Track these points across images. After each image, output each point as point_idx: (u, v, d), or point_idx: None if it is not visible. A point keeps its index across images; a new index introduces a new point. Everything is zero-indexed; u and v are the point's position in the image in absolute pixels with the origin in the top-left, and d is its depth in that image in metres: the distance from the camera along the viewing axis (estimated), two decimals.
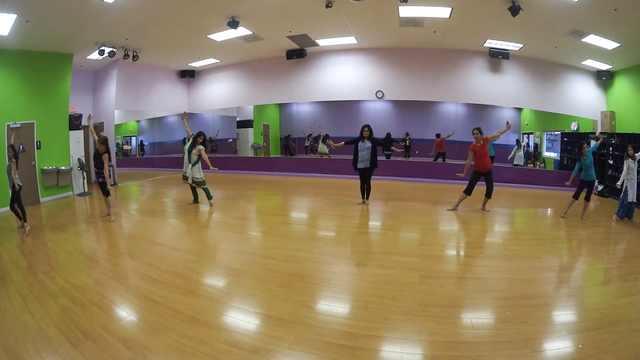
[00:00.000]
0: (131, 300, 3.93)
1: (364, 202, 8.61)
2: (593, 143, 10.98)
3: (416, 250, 5.66)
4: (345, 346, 3.02)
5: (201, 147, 8.32)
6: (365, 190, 8.55)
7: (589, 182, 7.56)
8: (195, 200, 8.86)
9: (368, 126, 8.22)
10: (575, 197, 7.66)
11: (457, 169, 12.13)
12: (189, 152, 8.31)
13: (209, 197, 8.52)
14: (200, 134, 8.38)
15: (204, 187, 8.48)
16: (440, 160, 13.49)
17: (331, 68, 13.18)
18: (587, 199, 7.64)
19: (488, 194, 7.90)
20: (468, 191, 7.90)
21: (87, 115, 8.63)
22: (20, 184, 6.76)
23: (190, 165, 8.29)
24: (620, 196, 7.63)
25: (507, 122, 7.90)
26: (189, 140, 8.45)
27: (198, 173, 8.39)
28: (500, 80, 12.04)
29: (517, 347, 2.98)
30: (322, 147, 14.58)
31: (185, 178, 8.49)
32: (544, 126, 13.83)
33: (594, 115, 11.67)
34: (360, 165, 8.22)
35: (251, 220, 8.01)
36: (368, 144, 8.12)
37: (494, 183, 7.93)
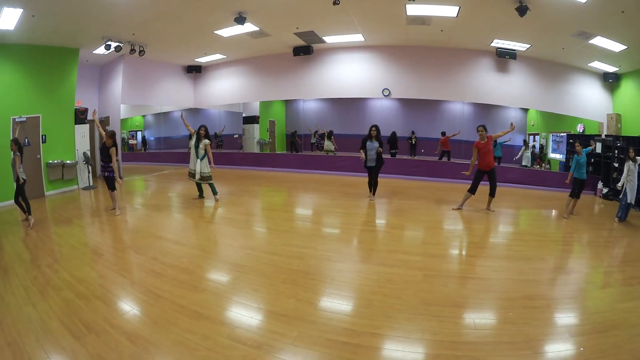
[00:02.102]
0: (135, 294, 3.95)
1: (371, 197, 9.07)
2: (599, 145, 11.03)
3: (420, 249, 5.66)
4: (348, 343, 3.03)
5: (207, 141, 8.30)
6: (373, 185, 9.01)
7: (581, 181, 7.80)
8: (201, 195, 8.87)
9: (376, 126, 8.66)
10: (572, 195, 7.89)
11: (462, 168, 12.09)
12: (196, 147, 8.29)
13: (215, 192, 8.55)
14: (202, 126, 8.38)
15: (210, 182, 8.49)
16: (445, 159, 13.47)
17: (338, 65, 13.17)
18: (577, 196, 7.90)
19: (492, 193, 7.85)
20: (472, 190, 7.89)
21: (92, 111, 8.65)
22: (25, 178, 6.79)
23: (199, 159, 8.29)
24: (620, 197, 7.77)
25: (512, 124, 7.89)
26: (193, 136, 8.40)
27: (205, 168, 8.37)
28: (507, 80, 11.99)
29: (519, 348, 2.98)
30: (327, 144, 14.53)
31: (191, 175, 8.49)
32: (550, 127, 13.76)
33: (600, 117, 11.62)
34: (369, 164, 8.72)
35: (256, 216, 8.01)
36: (376, 144, 8.55)
37: (498, 183, 7.91)
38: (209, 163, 8.46)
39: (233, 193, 9.79)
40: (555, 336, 3.23)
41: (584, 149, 7.89)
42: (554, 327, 3.39)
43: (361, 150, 8.74)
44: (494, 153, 8.01)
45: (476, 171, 7.89)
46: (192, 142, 8.33)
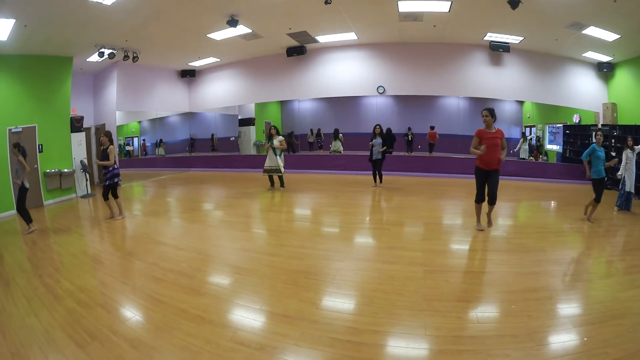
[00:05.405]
0: (136, 301, 3.94)
1: (376, 185, 10.51)
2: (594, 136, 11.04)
3: (420, 244, 5.66)
4: (351, 342, 3.03)
5: (281, 137, 9.85)
6: (377, 175, 10.48)
7: (600, 180, 6.73)
8: (272, 185, 10.36)
9: (379, 126, 10.23)
10: (598, 200, 6.70)
11: (459, 164, 12.15)
12: (272, 146, 9.74)
13: (282, 184, 10.28)
14: (272, 127, 10.01)
15: (281, 174, 10.03)
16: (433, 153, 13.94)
17: (332, 64, 13.18)
18: (599, 200, 6.73)
19: (490, 200, 6.03)
20: (479, 199, 6.17)
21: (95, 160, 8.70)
22: (28, 187, 6.78)
23: (277, 156, 9.77)
24: (619, 187, 7.82)
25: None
26: (268, 137, 9.92)
27: (281, 161, 9.91)
28: (501, 74, 12.00)
29: (522, 340, 2.98)
30: (335, 145, 14.50)
31: (266, 171, 10.01)
32: (545, 119, 13.78)
33: (596, 107, 11.64)
34: (373, 157, 10.22)
35: (255, 218, 8.00)
36: (379, 140, 10.08)
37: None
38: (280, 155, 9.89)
39: (231, 195, 9.78)
40: (558, 327, 3.23)
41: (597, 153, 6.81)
42: (557, 318, 3.39)
43: (370, 144, 10.19)
44: None
45: (476, 171, 6.11)
46: (269, 142, 9.82)
